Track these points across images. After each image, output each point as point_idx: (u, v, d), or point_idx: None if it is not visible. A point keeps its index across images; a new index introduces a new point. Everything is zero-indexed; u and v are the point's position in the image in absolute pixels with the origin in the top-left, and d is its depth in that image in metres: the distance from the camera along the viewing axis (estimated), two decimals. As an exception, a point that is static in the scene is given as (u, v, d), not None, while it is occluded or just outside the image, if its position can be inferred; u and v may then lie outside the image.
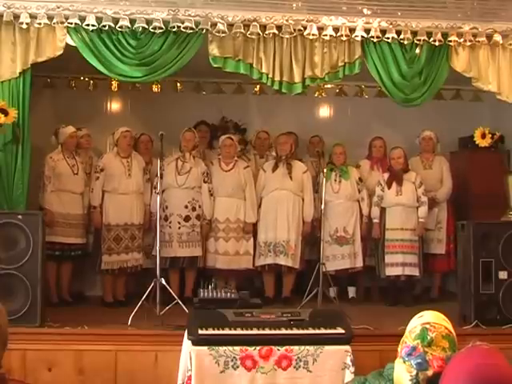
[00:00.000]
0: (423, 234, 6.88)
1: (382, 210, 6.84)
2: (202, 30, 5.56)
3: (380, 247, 6.80)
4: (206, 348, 4.31)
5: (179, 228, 6.54)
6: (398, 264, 6.67)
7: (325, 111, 8.32)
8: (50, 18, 5.41)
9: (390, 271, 6.70)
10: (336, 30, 5.69)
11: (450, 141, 7.74)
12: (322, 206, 6.40)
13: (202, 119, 7.48)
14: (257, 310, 4.71)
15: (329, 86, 7.97)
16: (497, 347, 1.77)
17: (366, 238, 6.97)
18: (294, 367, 4.36)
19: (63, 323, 5.21)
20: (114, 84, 7.69)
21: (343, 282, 6.97)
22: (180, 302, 5.61)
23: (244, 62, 5.70)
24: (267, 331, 4.46)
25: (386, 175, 6.90)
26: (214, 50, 5.65)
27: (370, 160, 7.32)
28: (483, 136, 6.57)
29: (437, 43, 5.80)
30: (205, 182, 6.66)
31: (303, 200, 6.78)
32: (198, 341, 4.33)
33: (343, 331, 4.48)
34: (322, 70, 5.80)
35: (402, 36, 5.74)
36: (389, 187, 6.80)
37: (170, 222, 6.54)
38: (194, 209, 6.59)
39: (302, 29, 5.67)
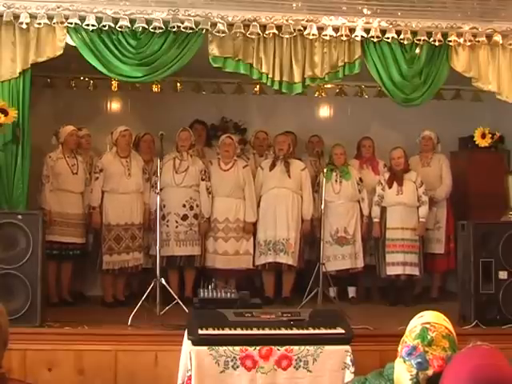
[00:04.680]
0: (424, 233, 6.88)
1: (383, 210, 6.84)
2: (202, 29, 5.56)
3: (380, 246, 6.80)
4: (205, 348, 4.31)
5: (176, 227, 6.54)
6: (399, 263, 6.68)
7: (325, 111, 8.32)
8: (50, 18, 5.41)
9: (391, 270, 6.70)
10: (336, 30, 5.69)
11: (450, 141, 7.74)
12: (322, 206, 6.41)
13: (196, 118, 7.46)
14: (257, 310, 4.71)
15: (329, 85, 7.97)
16: (497, 347, 1.77)
17: (365, 238, 6.97)
18: (294, 367, 4.36)
19: (63, 323, 5.21)
20: (114, 84, 7.69)
21: (343, 282, 6.96)
22: (180, 302, 5.61)
23: (244, 62, 5.70)
24: (267, 331, 4.46)
25: (387, 175, 6.91)
26: (213, 50, 5.65)
27: (359, 160, 7.33)
28: (483, 136, 6.58)
29: (437, 43, 5.80)
30: (202, 179, 6.66)
31: (302, 198, 6.78)
32: (197, 341, 4.33)
33: (343, 331, 4.48)
34: (322, 69, 5.80)
35: (401, 36, 5.74)
36: (389, 187, 6.80)
37: (168, 221, 6.54)
38: (191, 207, 6.59)
39: (302, 29, 5.67)
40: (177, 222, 6.55)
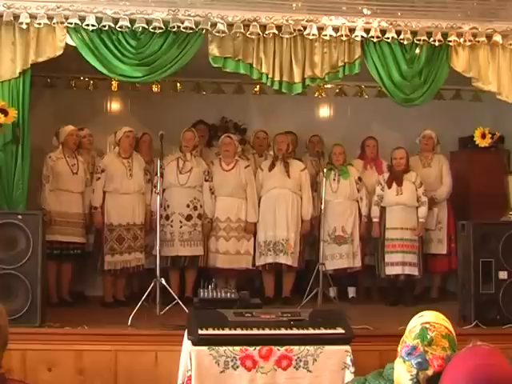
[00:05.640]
0: (423, 234, 6.88)
1: (382, 210, 6.84)
2: (202, 29, 5.56)
3: (380, 247, 6.80)
4: (205, 348, 4.30)
5: (181, 227, 6.54)
6: (398, 263, 6.67)
7: (325, 111, 8.32)
8: (50, 18, 5.42)
9: (390, 270, 6.70)
10: (336, 29, 5.69)
11: (450, 141, 7.75)
12: (322, 206, 6.42)
13: (199, 119, 7.47)
14: (257, 310, 4.71)
15: (329, 86, 7.98)
16: (497, 347, 1.77)
17: (364, 238, 6.97)
18: (294, 367, 4.35)
19: (63, 323, 5.21)
20: (114, 84, 7.70)
21: (343, 281, 6.96)
22: (180, 302, 5.61)
23: (244, 62, 5.71)
24: (267, 331, 4.45)
25: (387, 175, 6.91)
26: (213, 50, 5.65)
27: (363, 160, 7.34)
28: (483, 136, 6.57)
29: (437, 43, 5.80)
30: (206, 180, 6.66)
31: (301, 198, 6.79)
32: (197, 341, 4.33)
33: (343, 331, 4.48)
34: (322, 70, 5.81)
35: (402, 36, 5.74)
36: (389, 187, 6.80)
37: (172, 221, 6.54)
38: (195, 208, 6.60)
39: (302, 29, 5.68)
40: (181, 222, 6.55)
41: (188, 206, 6.58)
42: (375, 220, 6.85)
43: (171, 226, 6.54)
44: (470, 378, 1.66)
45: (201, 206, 6.63)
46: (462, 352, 1.80)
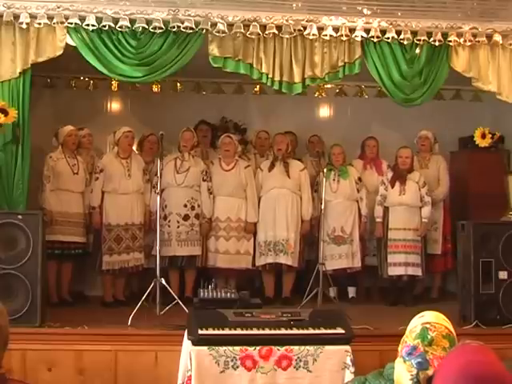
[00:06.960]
0: (426, 234, 6.87)
1: (385, 210, 6.83)
2: (202, 29, 5.57)
3: (383, 247, 6.79)
4: (205, 348, 4.30)
5: (178, 227, 6.54)
6: (401, 264, 6.66)
7: (325, 111, 8.32)
8: (50, 18, 5.42)
9: (393, 271, 6.69)
10: (336, 30, 5.69)
11: (450, 141, 7.75)
12: (322, 206, 6.42)
13: (202, 119, 7.48)
14: (257, 310, 4.71)
15: (329, 86, 7.98)
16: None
17: (364, 238, 6.97)
18: (294, 367, 4.35)
19: (63, 323, 5.21)
20: (114, 84, 7.70)
21: (343, 282, 6.96)
22: (180, 302, 5.61)
23: (244, 62, 5.71)
24: (267, 331, 4.45)
25: (390, 174, 6.89)
26: (213, 50, 5.66)
27: (363, 160, 7.33)
28: (483, 136, 6.57)
29: (437, 43, 5.80)
30: (204, 180, 6.66)
31: (301, 198, 6.79)
32: (197, 341, 4.33)
33: (343, 331, 4.48)
34: (322, 70, 5.81)
35: (402, 36, 5.75)
36: (392, 186, 6.78)
37: (169, 221, 6.54)
38: (192, 208, 6.59)
39: (302, 29, 5.68)
40: (178, 222, 6.54)
41: (185, 205, 6.57)
42: (378, 220, 6.83)
43: (169, 226, 6.54)
44: (461, 374, 1.67)
45: (198, 206, 6.62)
46: (453, 350, 1.81)
